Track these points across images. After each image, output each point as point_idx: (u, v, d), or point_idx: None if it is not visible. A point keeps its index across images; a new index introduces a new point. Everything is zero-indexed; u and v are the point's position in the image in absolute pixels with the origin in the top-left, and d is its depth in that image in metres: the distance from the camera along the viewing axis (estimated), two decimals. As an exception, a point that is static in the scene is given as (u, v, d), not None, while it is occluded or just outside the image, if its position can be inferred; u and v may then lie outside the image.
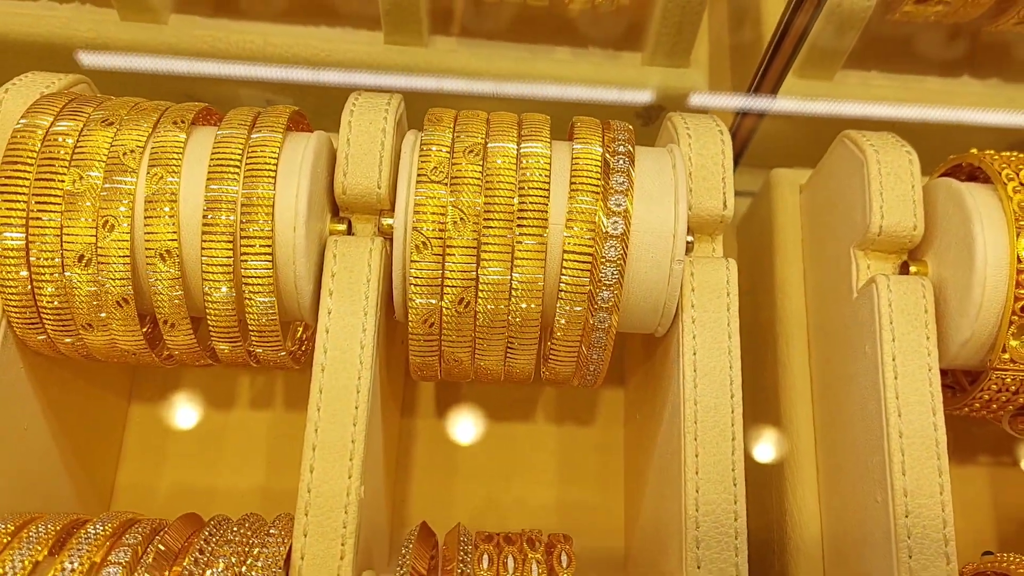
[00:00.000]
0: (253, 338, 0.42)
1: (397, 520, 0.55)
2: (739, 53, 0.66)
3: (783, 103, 0.59)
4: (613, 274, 0.40)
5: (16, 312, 0.40)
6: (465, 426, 0.57)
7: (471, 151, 0.41)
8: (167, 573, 0.36)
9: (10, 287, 0.40)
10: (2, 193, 0.39)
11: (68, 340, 0.42)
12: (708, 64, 0.60)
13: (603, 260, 0.40)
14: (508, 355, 0.43)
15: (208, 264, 0.39)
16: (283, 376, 0.57)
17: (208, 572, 0.36)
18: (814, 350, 0.51)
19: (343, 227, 0.44)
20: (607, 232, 0.40)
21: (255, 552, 0.37)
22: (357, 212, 0.44)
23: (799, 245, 0.54)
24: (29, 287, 0.40)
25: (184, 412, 0.56)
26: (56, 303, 0.40)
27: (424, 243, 0.40)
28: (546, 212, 0.40)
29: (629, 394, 0.57)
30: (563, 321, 0.41)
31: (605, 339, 0.41)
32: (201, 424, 0.56)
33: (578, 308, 0.40)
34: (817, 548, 0.48)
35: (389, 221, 0.44)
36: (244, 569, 0.36)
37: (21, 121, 0.41)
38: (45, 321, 0.41)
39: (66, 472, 0.49)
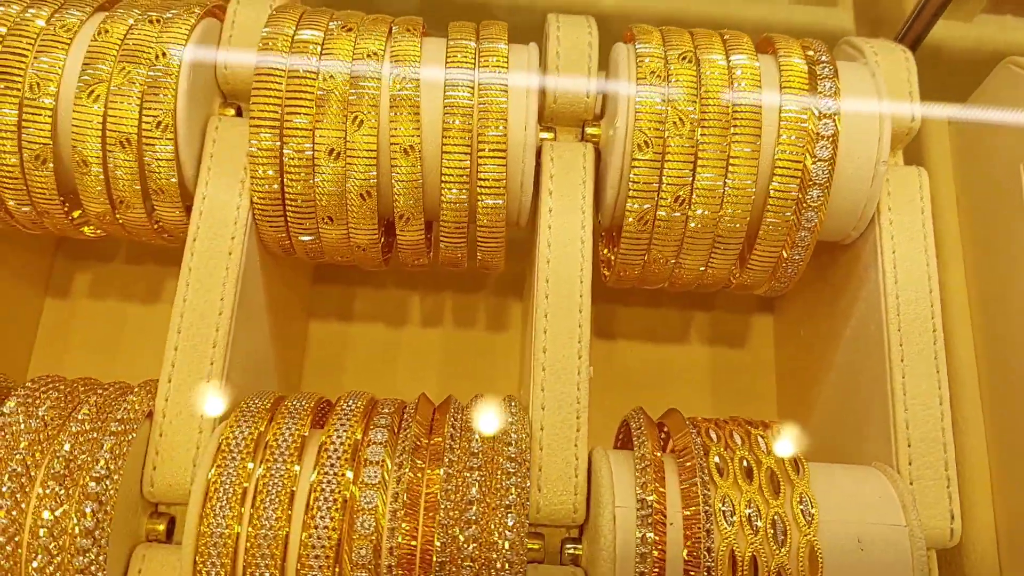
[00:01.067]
0: (479, 238, 0.45)
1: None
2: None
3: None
4: (824, 173, 0.42)
5: (261, 207, 0.43)
6: (632, 347, 0.60)
7: (684, 58, 0.44)
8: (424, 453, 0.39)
9: (259, 185, 0.43)
10: (257, 97, 0.42)
11: (305, 238, 0.45)
12: (853, 6, 0.62)
13: (815, 160, 0.42)
14: (710, 259, 0.45)
15: (447, 165, 0.42)
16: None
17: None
18: (971, 270, 0.54)
19: (551, 135, 0.47)
20: (818, 133, 0.42)
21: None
22: (562, 122, 0.47)
23: (950, 172, 0.57)
24: (277, 185, 0.43)
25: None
26: (300, 200, 0.43)
27: (645, 143, 0.42)
28: (760, 121, 0.42)
29: (785, 315, 0.59)
30: (769, 224, 0.43)
31: (809, 239, 0.44)
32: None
33: (787, 213, 0.43)
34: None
35: (592, 130, 0.47)
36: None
37: (265, 30, 0.44)
38: (289, 217, 0.44)
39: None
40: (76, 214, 0.46)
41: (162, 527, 0.40)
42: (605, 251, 0.49)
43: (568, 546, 0.41)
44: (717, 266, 0.46)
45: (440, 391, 0.59)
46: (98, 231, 0.47)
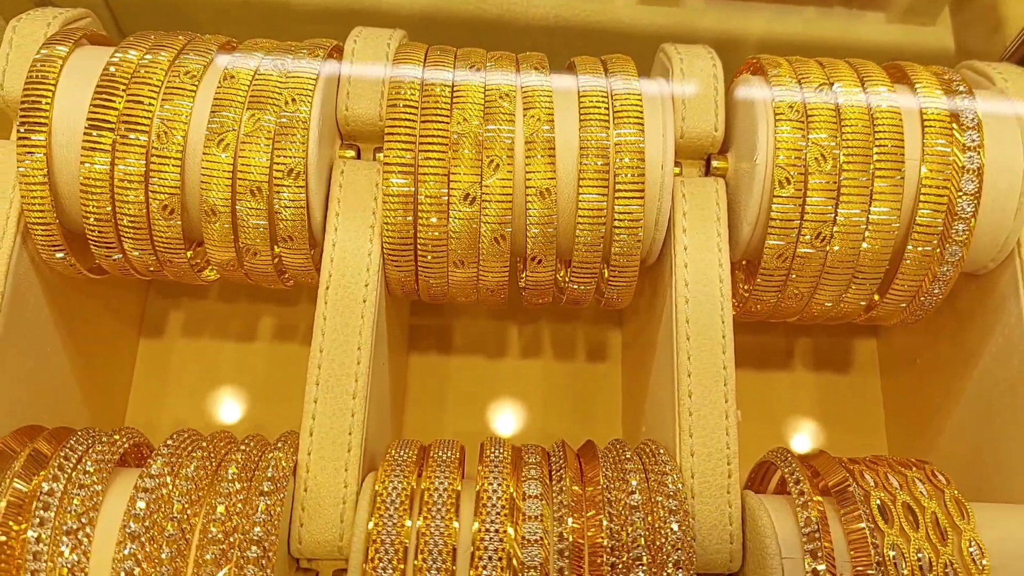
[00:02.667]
0: (611, 277, 0.44)
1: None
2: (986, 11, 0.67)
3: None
4: (969, 207, 0.41)
5: (391, 251, 0.43)
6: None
7: (820, 91, 0.43)
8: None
9: (391, 228, 0.42)
10: (391, 140, 0.41)
11: (433, 281, 0.44)
12: (952, 24, 0.61)
13: (960, 193, 0.41)
14: (846, 293, 0.44)
15: (583, 206, 0.41)
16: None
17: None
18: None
19: (677, 169, 0.46)
20: (963, 166, 0.41)
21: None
22: (686, 155, 0.46)
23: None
24: (409, 229, 0.42)
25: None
26: (432, 244, 0.42)
27: (787, 179, 0.42)
28: (903, 154, 0.42)
29: (891, 341, 0.58)
30: (911, 258, 0.43)
31: (951, 273, 0.43)
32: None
33: (931, 247, 0.42)
34: None
35: (718, 163, 0.46)
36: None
37: (394, 72, 0.43)
38: (420, 260, 0.43)
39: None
40: (188, 254, 0.46)
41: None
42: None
43: (722, 594, 0.40)
44: (852, 300, 0.45)
45: (543, 423, 0.58)
46: (217, 275, 0.47)
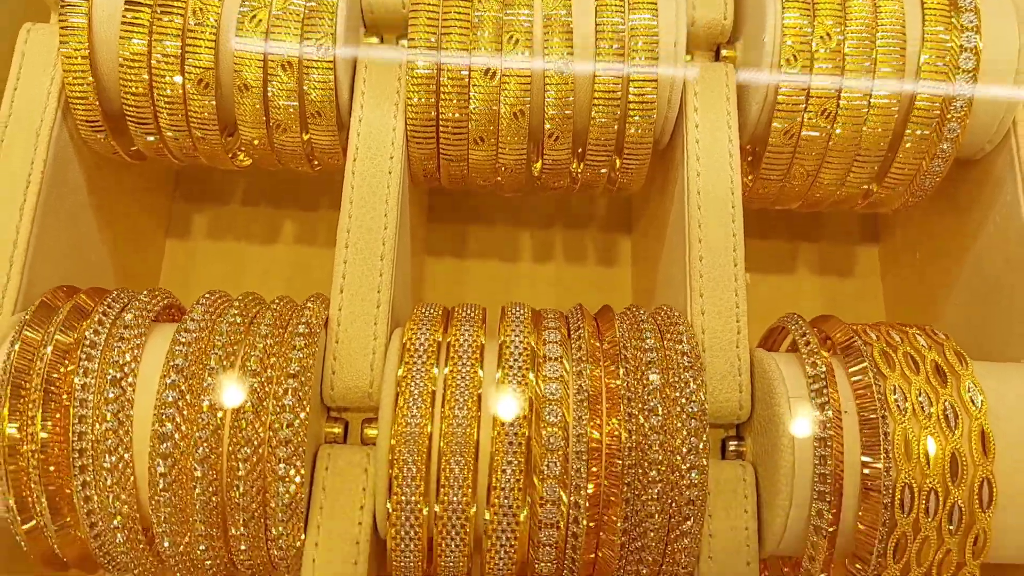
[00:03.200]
0: (624, 157, 0.46)
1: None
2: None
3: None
4: (967, 84, 0.43)
5: (415, 129, 0.45)
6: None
7: (825, -22, 0.45)
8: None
9: (415, 107, 0.44)
10: (415, 24, 0.43)
11: (454, 159, 0.46)
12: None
13: (958, 71, 0.43)
14: (849, 174, 0.46)
15: (599, 87, 0.43)
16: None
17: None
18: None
19: (688, 57, 0.48)
20: (961, 46, 0.44)
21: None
22: (697, 46, 0.48)
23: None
24: (432, 109, 0.44)
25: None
26: (453, 124, 0.44)
27: (794, 56, 0.44)
28: (904, 35, 0.43)
29: (892, 243, 0.60)
30: (912, 136, 0.45)
31: (950, 151, 0.45)
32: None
33: (930, 126, 0.44)
34: None
35: (728, 52, 0.48)
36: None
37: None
38: (441, 138, 0.45)
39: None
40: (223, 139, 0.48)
41: (339, 430, 0.41)
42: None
43: (731, 443, 0.42)
44: (854, 181, 0.47)
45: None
46: (249, 160, 0.48)
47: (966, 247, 0.50)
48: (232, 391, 0.38)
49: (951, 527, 0.38)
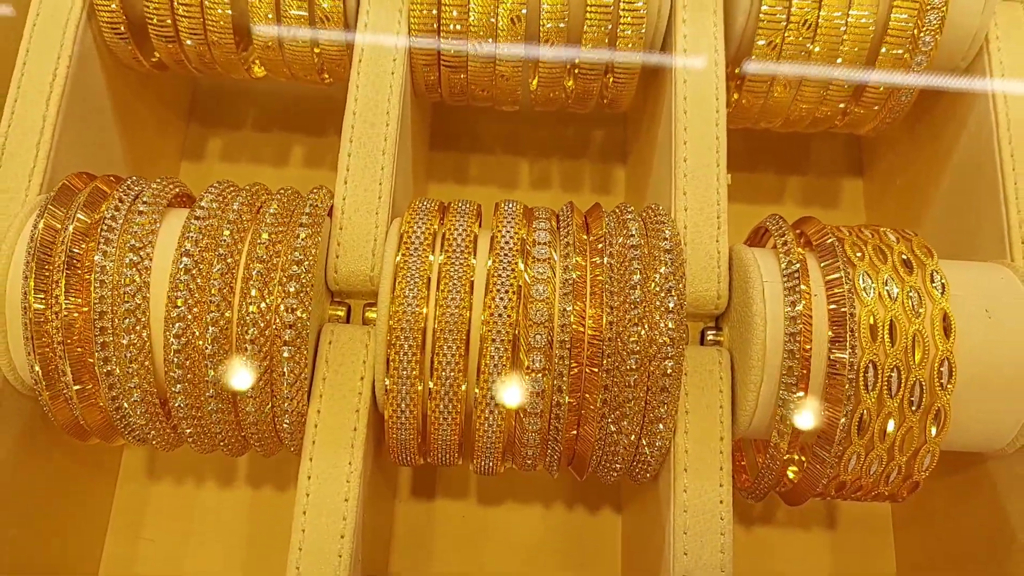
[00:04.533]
0: (616, 68, 0.49)
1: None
2: None
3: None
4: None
5: (417, 33, 0.47)
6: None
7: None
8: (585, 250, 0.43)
9: (417, 16, 0.47)
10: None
11: (454, 67, 0.49)
12: None
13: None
14: (828, 90, 0.49)
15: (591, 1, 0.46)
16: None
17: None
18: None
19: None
20: (936, -38, 0.46)
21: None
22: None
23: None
24: (434, 21, 0.47)
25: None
26: (454, 31, 0.47)
27: (776, -27, 0.46)
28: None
29: (876, 175, 0.63)
30: (888, 51, 0.47)
31: (925, 63, 0.47)
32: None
33: (900, 51, 0.47)
34: None
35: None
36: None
37: None
38: (442, 47, 0.48)
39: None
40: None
41: (342, 313, 0.44)
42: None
43: (709, 333, 0.44)
44: (833, 98, 0.49)
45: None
46: (263, 71, 0.51)
47: (941, 169, 0.52)
48: (240, 272, 0.40)
49: (912, 405, 0.40)
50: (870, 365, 0.40)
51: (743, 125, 0.53)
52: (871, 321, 0.40)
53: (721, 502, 0.40)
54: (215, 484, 0.54)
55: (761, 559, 0.54)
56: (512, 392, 0.41)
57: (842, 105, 0.50)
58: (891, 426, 0.40)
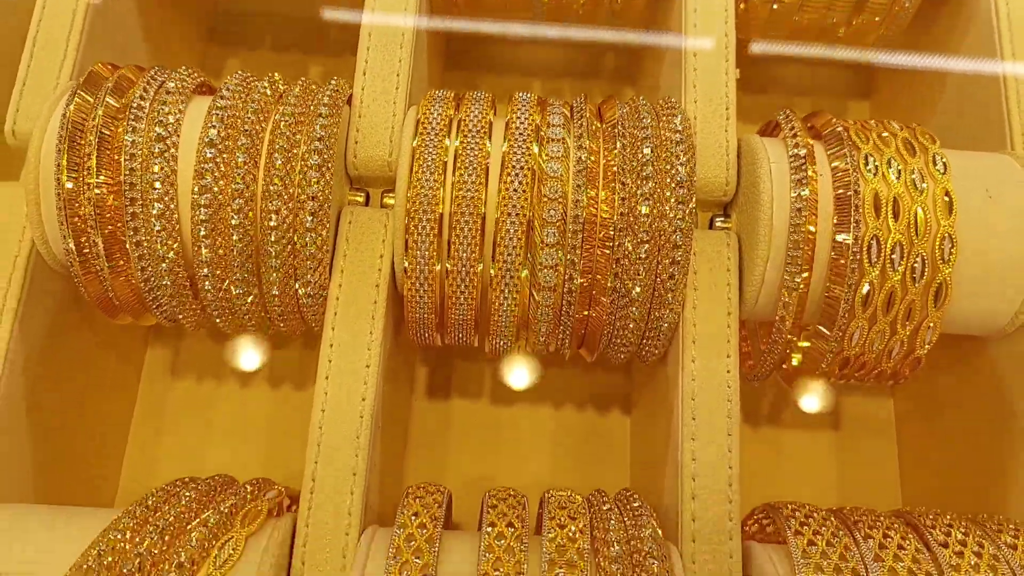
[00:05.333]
0: None
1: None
2: None
3: None
4: None
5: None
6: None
7: None
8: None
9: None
10: None
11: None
12: None
13: None
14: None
15: None
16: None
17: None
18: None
19: None
20: None
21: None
22: None
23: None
24: None
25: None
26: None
27: None
28: None
29: (881, 101, 0.64)
30: None
31: None
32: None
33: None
34: None
35: None
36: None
37: None
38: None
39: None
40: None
41: (361, 199, 0.46)
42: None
43: (718, 220, 0.46)
44: (837, 6, 0.51)
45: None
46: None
47: (944, 82, 0.53)
48: (264, 148, 0.42)
49: (915, 278, 0.41)
50: (874, 240, 0.41)
51: (751, 35, 0.54)
52: (875, 199, 0.42)
53: (728, 371, 0.42)
54: (235, 383, 0.56)
55: (767, 459, 0.56)
56: (526, 275, 0.42)
57: (846, 14, 0.51)
58: (894, 298, 0.42)
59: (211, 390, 0.56)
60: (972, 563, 0.38)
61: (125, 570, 0.35)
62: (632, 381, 0.57)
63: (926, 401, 0.54)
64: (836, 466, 0.56)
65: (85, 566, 0.36)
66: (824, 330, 0.43)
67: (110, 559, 0.36)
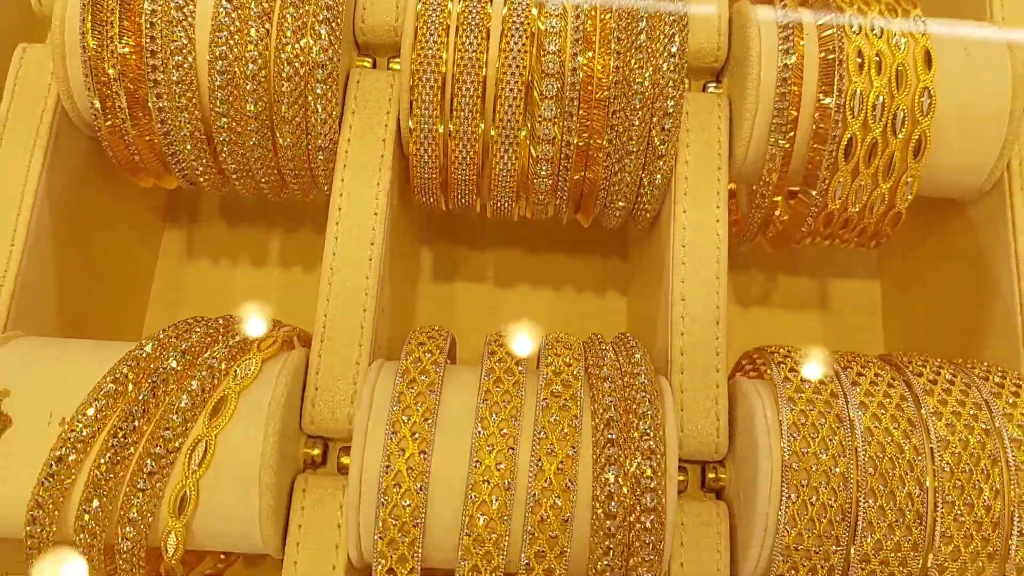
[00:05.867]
0: None
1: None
2: None
3: None
4: None
5: None
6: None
7: None
8: None
9: None
10: None
11: None
12: None
13: None
14: None
15: None
16: None
17: None
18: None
19: None
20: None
21: None
22: None
23: None
24: None
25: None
26: None
27: None
28: None
29: None
30: None
31: None
32: None
33: None
34: None
35: None
36: None
37: None
38: None
39: None
40: None
41: (368, 63, 0.48)
42: None
43: (710, 86, 0.48)
44: None
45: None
46: None
47: None
48: (276, 15, 0.44)
49: (895, 131, 0.43)
50: (856, 94, 0.43)
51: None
52: (858, 55, 0.44)
53: (717, 221, 0.44)
54: (248, 264, 0.59)
55: (756, 337, 0.58)
56: (525, 135, 0.45)
57: None
58: (875, 150, 0.44)
59: (225, 272, 0.58)
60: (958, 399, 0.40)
61: (148, 382, 0.38)
62: (629, 266, 0.59)
63: (909, 275, 0.56)
64: (824, 344, 0.58)
65: (112, 378, 0.38)
66: (808, 188, 0.45)
67: (133, 374, 0.38)
